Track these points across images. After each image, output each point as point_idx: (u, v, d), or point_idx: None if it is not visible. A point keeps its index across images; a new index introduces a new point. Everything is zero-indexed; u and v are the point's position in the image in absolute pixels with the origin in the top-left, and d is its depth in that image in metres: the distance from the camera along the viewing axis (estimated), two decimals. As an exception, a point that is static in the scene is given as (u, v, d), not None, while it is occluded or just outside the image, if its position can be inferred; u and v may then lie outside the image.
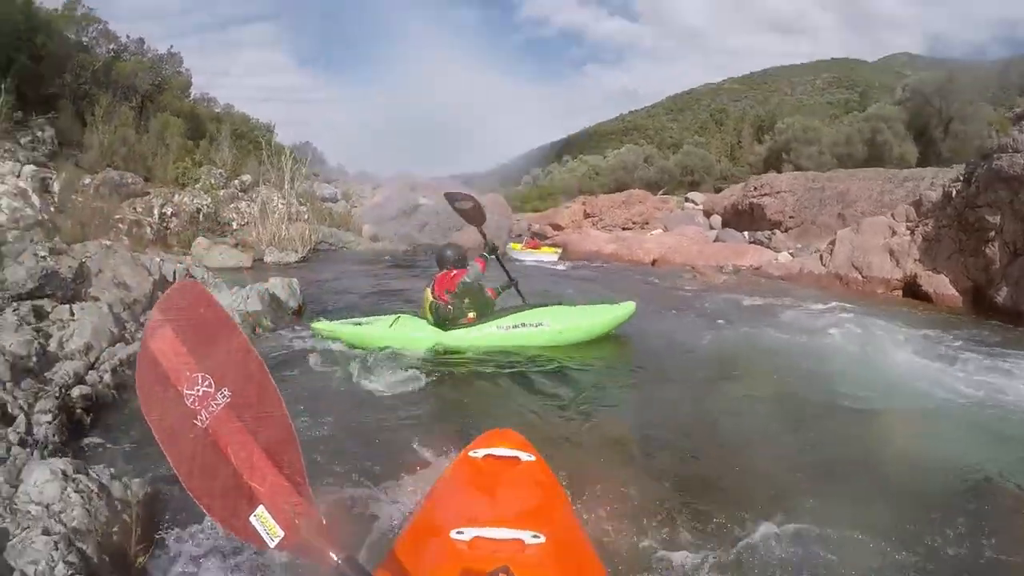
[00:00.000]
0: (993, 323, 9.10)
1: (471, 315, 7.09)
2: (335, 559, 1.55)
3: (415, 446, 4.34)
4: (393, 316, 7.22)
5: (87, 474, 3.01)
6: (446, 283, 7.00)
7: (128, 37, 21.68)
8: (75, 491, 2.83)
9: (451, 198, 8.03)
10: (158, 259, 7.50)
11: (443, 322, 7.03)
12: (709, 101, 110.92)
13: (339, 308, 9.00)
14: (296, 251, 14.49)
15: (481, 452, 2.49)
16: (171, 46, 24.34)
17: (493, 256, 7.48)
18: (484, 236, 7.86)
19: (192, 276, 8.03)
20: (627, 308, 7.52)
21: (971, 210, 10.48)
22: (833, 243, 13.05)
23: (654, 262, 17.26)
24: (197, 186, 16.32)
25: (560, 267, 16.18)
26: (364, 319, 7.22)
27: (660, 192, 32.25)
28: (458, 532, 1.87)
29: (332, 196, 23.14)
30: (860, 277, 12.09)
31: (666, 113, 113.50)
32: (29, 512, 2.69)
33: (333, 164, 37.06)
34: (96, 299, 5.63)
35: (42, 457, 3.37)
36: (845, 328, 8.17)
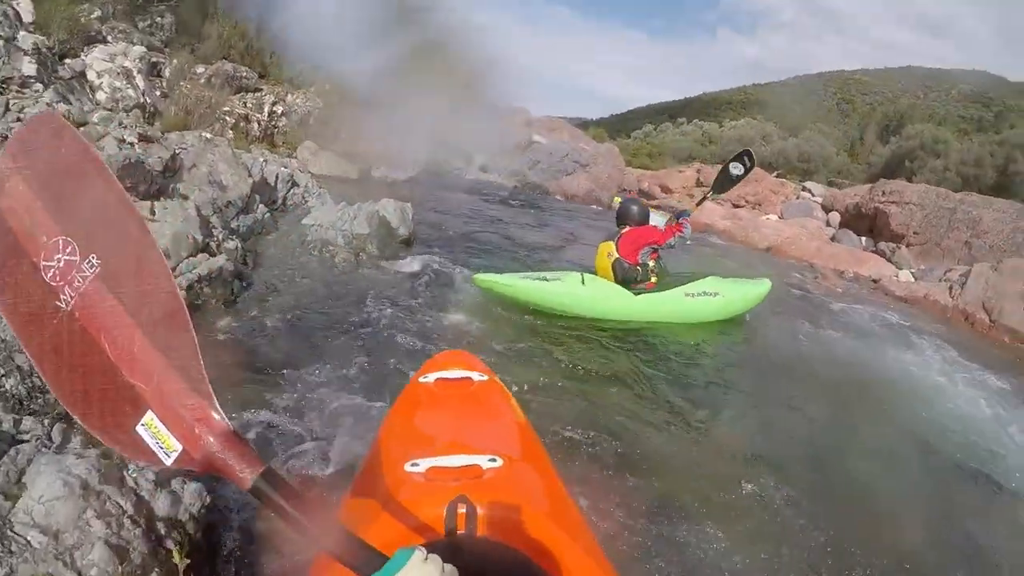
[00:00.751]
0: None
1: (653, 279, 6.70)
2: (250, 477, 1.18)
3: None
4: (576, 273, 6.50)
5: (120, 482, 2.14)
6: (637, 240, 6.56)
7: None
8: (97, 514, 1.98)
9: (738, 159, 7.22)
10: (261, 159, 6.98)
11: (625, 283, 6.56)
12: (837, 89, 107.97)
13: (450, 243, 8.66)
14: (405, 169, 13.94)
15: (432, 376, 2.39)
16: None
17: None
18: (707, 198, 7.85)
19: (296, 182, 7.50)
20: (766, 285, 7.25)
21: None
22: (966, 276, 12.13)
23: (768, 249, 16.49)
24: (311, 90, 15.75)
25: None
26: (537, 274, 6.45)
27: (774, 174, 30.88)
28: (412, 464, 1.80)
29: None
30: (988, 320, 11.14)
31: (790, 92, 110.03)
32: (29, 542, 1.82)
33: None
34: (185, 197, 5.05)
35: (57, 449, 2.30)
36: (986, 384, 7.35)
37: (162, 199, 4.82)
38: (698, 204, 7.66)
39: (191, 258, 4.56)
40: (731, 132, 50.78)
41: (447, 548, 1.36)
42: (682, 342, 6.32)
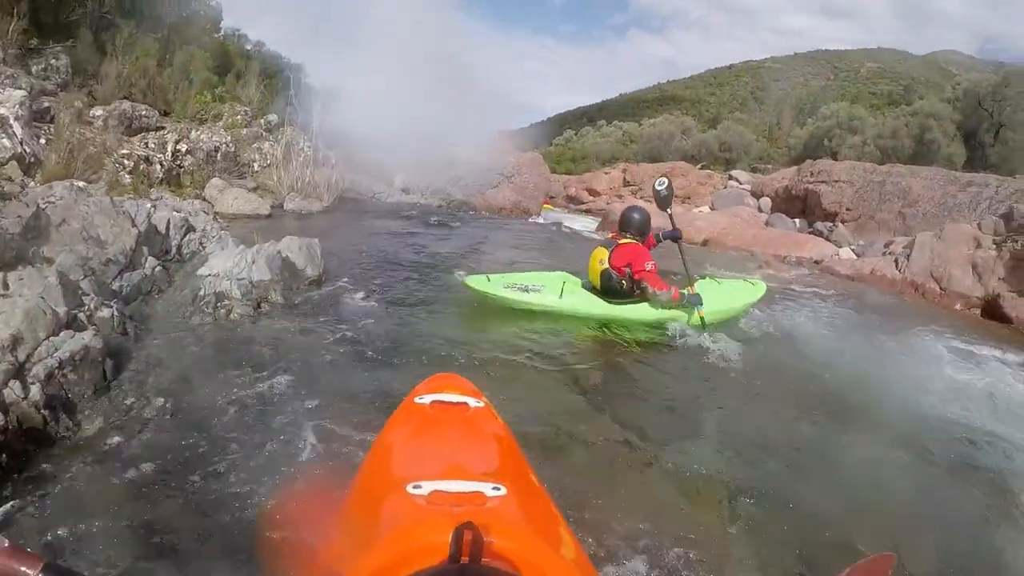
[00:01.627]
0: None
1: (638, 290, 6.48)
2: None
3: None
4: (558, 277, 6.68)
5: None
6: (629, 257, 6.39)
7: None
8: None
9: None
10: (149, 204, 6.12)
11: (608, 293, 6.55)
12: (749, 78, 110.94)
13: (367, 276, 7.53)
14: (320, 199, 13.05)
15: (427, 398, 2.32)
16: (201, -27, 22.52)
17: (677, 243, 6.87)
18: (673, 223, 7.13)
19: (192, 226, 6.71)
20: (761, 288, 7.23)
21: None
22: (910, 247, 12.10)
23: (705, 243, 16.16)
24: (219, 124, 14.96)
25: (599, 236, 14.59)
26: (521, 280, 6.55)
27: (698, 167, 31.03)
28: (415, 486, 1.72)
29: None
30: (938, 289, 11.19)
31: (705, 86, 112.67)
32: None
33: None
34: (49, 261, 4.17)
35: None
36: (957, 358, 7.21)
37: (20, 267, 3.92)
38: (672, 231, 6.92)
39: (52, 339, 3.62)
40: (651, 130, 51.61)
41: (455, 575, 1.34)
42: (647, 347, 6.20)
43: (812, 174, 19.80)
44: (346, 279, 7.12)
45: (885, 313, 9.33)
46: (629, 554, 3.05)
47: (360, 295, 6.64)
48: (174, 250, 6.33)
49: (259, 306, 5.68)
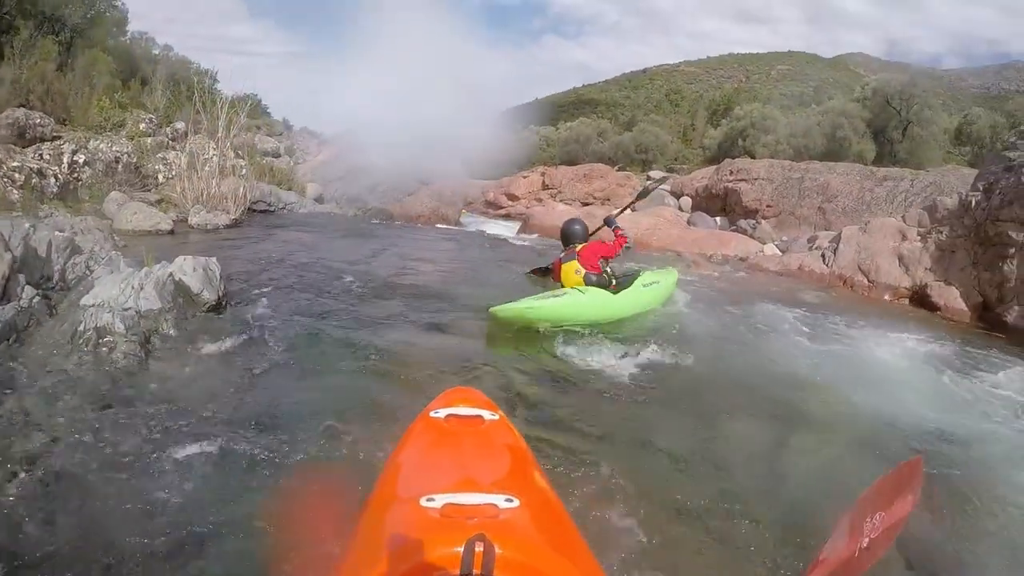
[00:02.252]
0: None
1: (614, 282, 7.30)
2: None
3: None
4: (571, 289, 6.98)
5: None
6: (596, 254, 7.21)
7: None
8: None
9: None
10: (27, 224, 5.38)
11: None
12: (663, 82, 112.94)
13: (274, 298, 6.78)
14: (228, 212, 12.07)
15: (442, 412, 2.37)
16: (106, -26, 21.46)
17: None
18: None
19: (79, 247, 6.02)
20: (675, 273, 8.37)
21: (992, 223, 10.04)
22: (836, 241, 12.27)
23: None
24: (123, 132, 14.15)
25: (520, 242, 14.54)
26: (542, 295, 6.78)
27: (616, 168, 31.04)
28: (428, 499, 1.76)
29: (274, 151, 20.97)
30: (866, 281, 11.34)
31: (620, 90, 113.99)
32: None
33: (278, 118, 34.72)
34: None
35: None
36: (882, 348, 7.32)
37: None
38: (619, 212, 8.44)
39: None
40: (567, 133, 52.05)
41: None
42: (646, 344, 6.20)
43: (731, 172, 20.01)
44: (248, 302, 6.44)
45: (815, 307, 9.36)
46: (646, 566, 2.94)
47: (262, 320, 5.91)
48: (57, 276, 5.38)
49: (148, 340, 4.89)
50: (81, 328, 4.63)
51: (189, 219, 11.36)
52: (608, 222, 7.89)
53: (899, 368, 6.65)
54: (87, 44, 18.05)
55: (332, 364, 5.09)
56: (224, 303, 6.02)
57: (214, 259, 6.16)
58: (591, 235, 7.88)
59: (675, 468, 3.99)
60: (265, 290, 7.03)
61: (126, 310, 4.94)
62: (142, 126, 15.12)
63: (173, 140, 15.13)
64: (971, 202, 10.62)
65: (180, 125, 15.65)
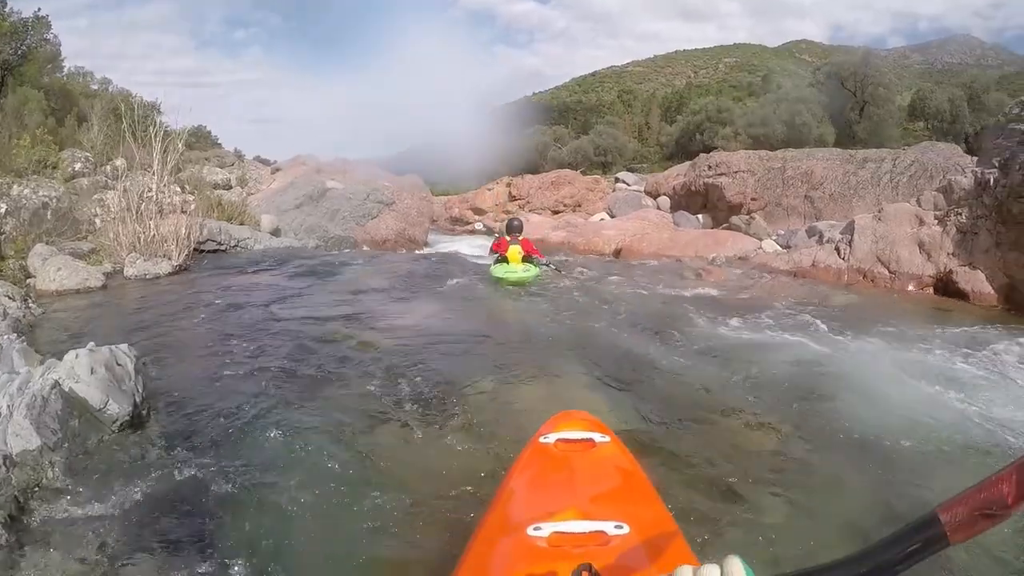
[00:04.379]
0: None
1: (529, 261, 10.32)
2: None
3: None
4: (519, 263, 10.08)
5: None
6: (529, 247, 10.28)
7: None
8: None
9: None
10: None
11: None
12: (613, 83, 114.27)
13: (225, 382, 4.70)
14: (169, 257, 10.25)
15: (552, 437, 2.30)
16: (38, 9, 20.01)
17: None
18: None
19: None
20: (535, 269, 10.29)
21: (1016, 201, 9.44)
22: (850, 232, 11.44)
23: (618, 252, 15.31)
24: (56, 173, 12.80)
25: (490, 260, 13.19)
26: (505, 266, 10.01)
27: (579, 171, 30.35)
28: (535, 528, 1.73)
29: (225, 182, 19.50)
30: (887, 273, 10.58)
31: (570, 94, 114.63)
32: None
33: (229, 148, 33.29)
34: None
35: None
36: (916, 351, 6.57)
37: None
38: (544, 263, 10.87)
39: None
40: (525, 142, 52.06)
41: None
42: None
43: (709, 167, 19.52)
44: (185, 401, 4.29)
45: (832, 310, 8.67)
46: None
47: (209, 432, 3.81)
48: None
49: (23, 507, 2.86)
50: None
51: (125, 270, 9.75)
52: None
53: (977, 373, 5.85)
54: (18, 82, 17.26)
55: (329, 499, 3.15)
56: (146, 412, 3.99)
57: (124, 346, 4.21)
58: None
59: (809, 496, 3.50)
60: (211, 371, 4.94)
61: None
62: (77, 166, 13.98)
63: (114, 179, 13.70)
64: (988, 180, 10.02)
65: (120, 162, 14.18)
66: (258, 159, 30.78)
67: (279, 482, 3.25)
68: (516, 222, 10.63)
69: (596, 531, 1.71)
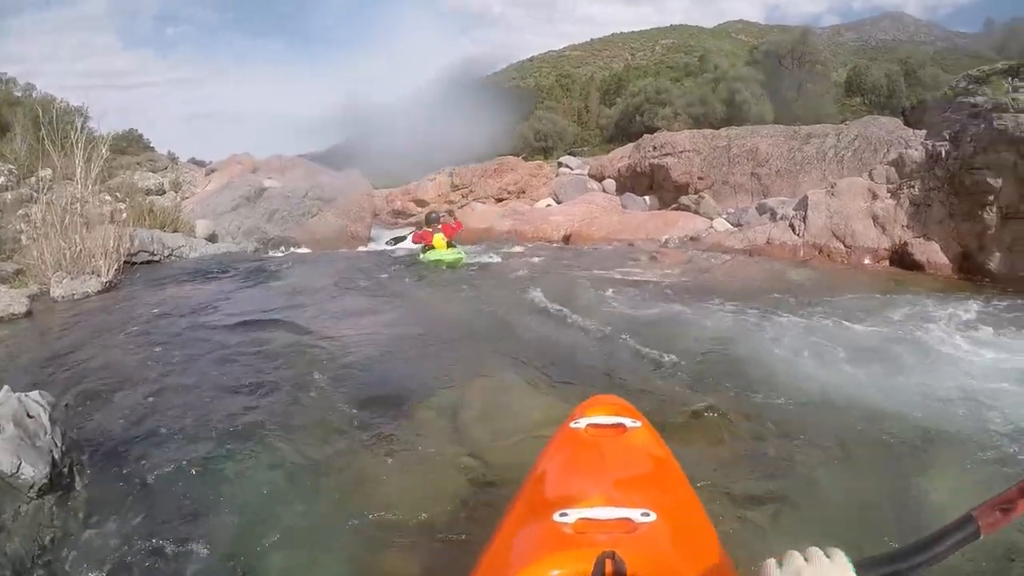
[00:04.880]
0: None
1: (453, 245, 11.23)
2: None
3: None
4: (449, 247, 11.04)
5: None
6: (450, 231, 11.28)
7: None
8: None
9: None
10: None
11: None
12: (551, 68, 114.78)
13: (158, 420, 4.09)
14: (98, 274, 9.40)
15: (583, 422, 2.25)
16: (-52, 12, 19.27)
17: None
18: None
19: None
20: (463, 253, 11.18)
21: (967, 172, 9.66)
22: (803, 208, 11.54)
23: (568, 238, 15.13)
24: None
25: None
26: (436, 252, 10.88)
27: (521, 157, 30.11)
28: (561, 514, 1.68)
29: (158, 187, 18.73)
30: (843, 247, 10.71)
31: (508, 80, 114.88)
32: None
33: (162, 152, 32.21)
34: None
35: None
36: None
37: None
38: (399, 239, 12.36)
39: None
40: (464, 129, 51.84)
41: None
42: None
43: (654, 148, 19.44)
44: (114, 451, 3.70)
45: (786, 285, 8.79)
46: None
47: (135, 491, 3.28)
48: None
49: None
50: None
51: (51, 291, 8.90)
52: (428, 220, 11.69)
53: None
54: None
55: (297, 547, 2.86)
56: (67, 469, 3.39)
57: (36, 393, 3.54)
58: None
59: (851, 494, 3.41)
60: (145, 407, 4.35)
61: None
62: (0, 179, 13.36)
63: (40, 192, 12.95)
64: (940, 152, 10.20)
65: (46, 173, 13.40)
66: (193, 161, 29.83)
67: (235, 533, 2.88)
68: (434, 215, 11.83)
69: (623, 518, 1.67)
